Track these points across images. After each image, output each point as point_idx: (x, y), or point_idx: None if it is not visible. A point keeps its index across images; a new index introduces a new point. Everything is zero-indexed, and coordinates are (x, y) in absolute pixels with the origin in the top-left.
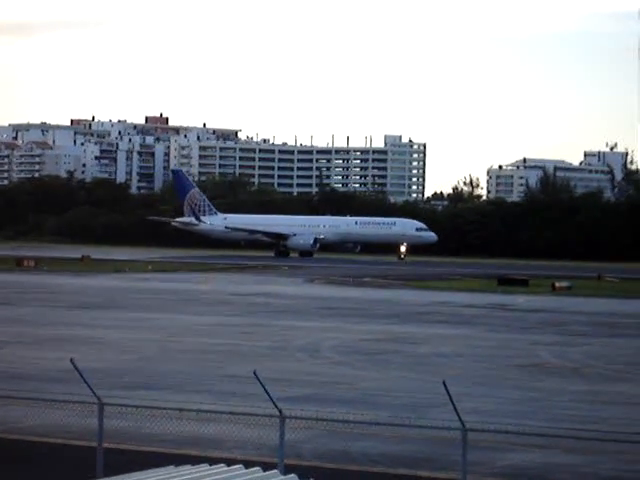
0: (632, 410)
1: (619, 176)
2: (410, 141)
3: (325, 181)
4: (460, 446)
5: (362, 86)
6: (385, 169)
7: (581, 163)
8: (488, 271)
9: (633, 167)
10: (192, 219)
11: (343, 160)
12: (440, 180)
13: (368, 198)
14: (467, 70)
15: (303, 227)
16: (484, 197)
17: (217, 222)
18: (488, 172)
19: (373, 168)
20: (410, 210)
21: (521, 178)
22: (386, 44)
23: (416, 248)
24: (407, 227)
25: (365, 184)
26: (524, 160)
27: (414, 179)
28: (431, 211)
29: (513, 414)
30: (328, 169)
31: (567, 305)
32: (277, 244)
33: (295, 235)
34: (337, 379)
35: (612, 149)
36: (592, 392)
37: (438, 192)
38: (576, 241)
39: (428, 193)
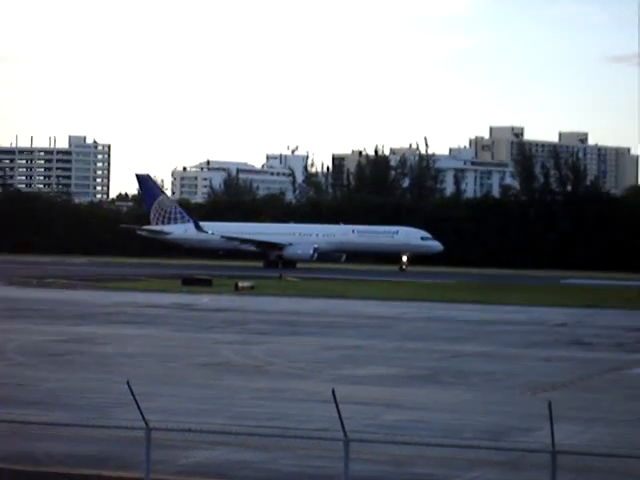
0: (312, 406)
1: (300, 178)
2: (95, 142)
3: (9, 182)
4: (144, 445)
5: (45, 85)
6: (70, 170)
7: (263, 165)
8: (173, 272)
9: (313, 170)
10: (163, 227)
11: (27, 160)
12: (125, 181)
13: (53, 199)
14: (162, 73)
15: (294, 236)
16: None
17: (192, 230)
18: (173, 173)
19: (57, 169)
20: (95, 211)
21: (205, 180)
22: (97, 41)
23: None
24: (411, 236)
25: (49, 184)
26: (208, 162)
27: (99, 180)
28: (116, 212)
29: (197, 412)
30: (11, 169)
31: (250, 304)
32: (266, 254)
33: (292, 245)
34: (21, 380)
35: (293, 152)
36: (274, 389)
37: (123, 193)
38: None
39: (113, 194)
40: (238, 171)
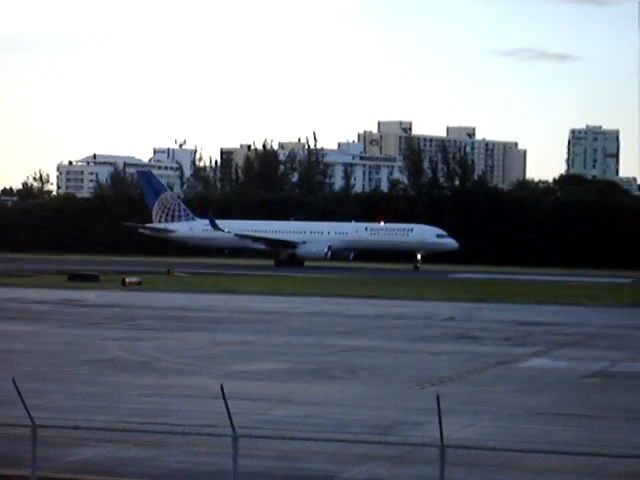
0: (201, 402)
1: (188, 172)
2: None
3: None
4: (30, 442)
5: None
6: None
7: (151, 159)
8: (59, 267)
9: (201, 164)
10: (167, 225)
11: None
12: (10, 175)
13: None
14: (47, 65)
15: (305, 234)
16: (54, 193)
17: (197, 227)
18: (58, 168)
19: None
20: None
21: (91, 174)
22: None
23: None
24: (426, 233)
25: None
26: (94, 156)
27: None
28: (1, 207)
29: (84, 409)
30: None
31: (137, 300)
32: (277, 252)
33: (305, 243)
34: None
35: (181, 146)
36: (162, 386)
37: (8, 187)
38: (144, 238)
39: None
40: (125, 165)
